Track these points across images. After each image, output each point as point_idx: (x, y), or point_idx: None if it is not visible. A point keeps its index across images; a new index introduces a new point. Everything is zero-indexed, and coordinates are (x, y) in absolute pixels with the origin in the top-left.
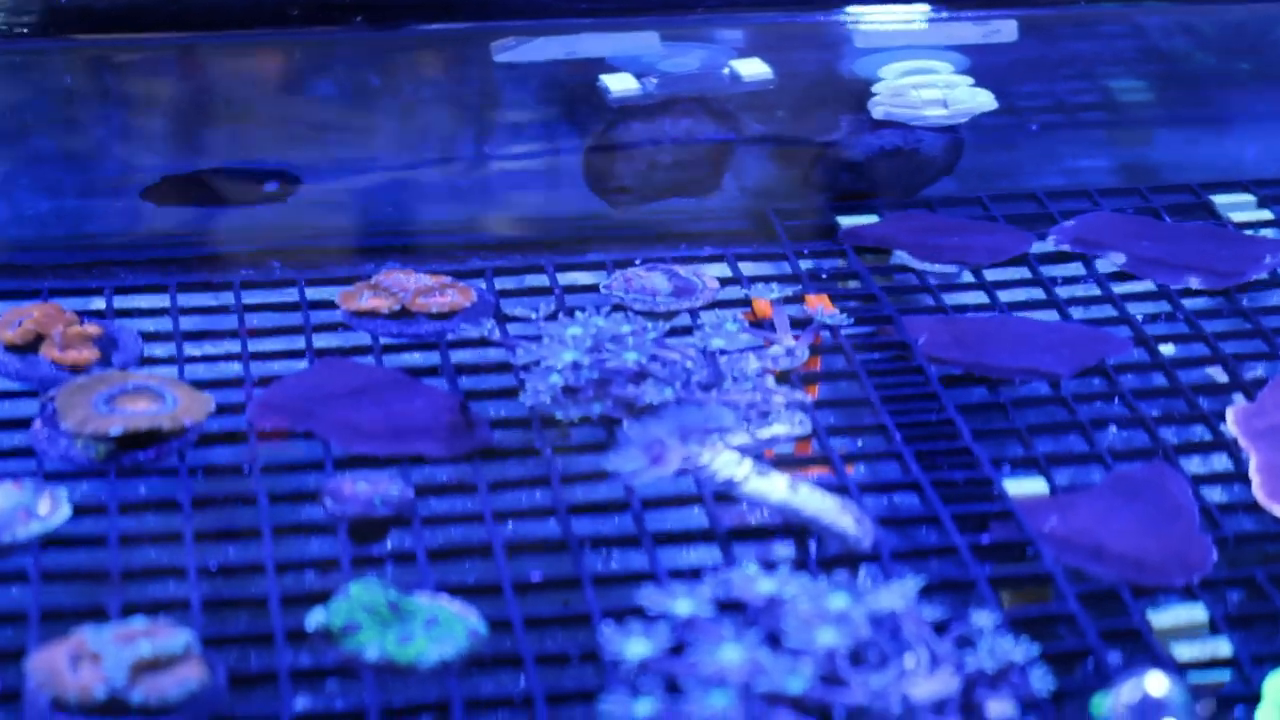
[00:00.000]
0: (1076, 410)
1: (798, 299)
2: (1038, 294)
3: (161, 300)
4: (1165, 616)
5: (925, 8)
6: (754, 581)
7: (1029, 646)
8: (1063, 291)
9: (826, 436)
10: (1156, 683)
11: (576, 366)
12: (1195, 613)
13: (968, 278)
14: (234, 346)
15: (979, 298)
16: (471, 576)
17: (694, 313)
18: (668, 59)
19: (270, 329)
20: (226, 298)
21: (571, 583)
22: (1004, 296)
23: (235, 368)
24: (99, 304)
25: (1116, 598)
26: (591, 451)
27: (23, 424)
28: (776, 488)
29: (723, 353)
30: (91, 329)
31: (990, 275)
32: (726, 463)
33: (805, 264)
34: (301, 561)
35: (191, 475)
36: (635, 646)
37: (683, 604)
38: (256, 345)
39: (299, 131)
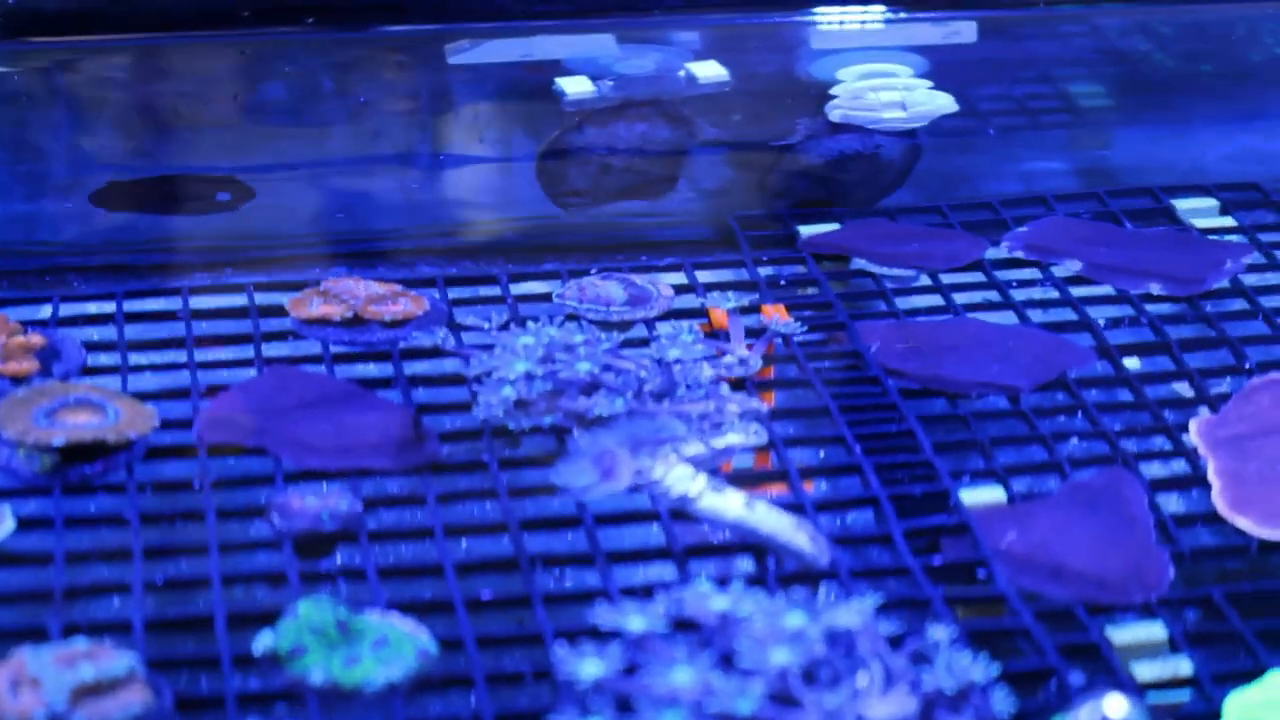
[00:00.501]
0: (1037, 424)
1: (754, 308)
2: (994, 297)
3: (108, 307)
4: (1124, 634)
5: (883, 9)
6: (707, 599)
7: (988, 665)
8: (1019, 295)
9: (783, 447)
10: (1115, 705)
11: (529, 377)
12: (1154, 630)
13: (925, 282)
14: (181, 355)
15: (935, 301)
16: (422, 594)
17: (649, 322)
18: (623, 61)
19: (219, 337)
20: (175, 303)
21: (523, 601)
22: (960, 300)
23: (183, 377)
24: (45, 311)
25: (1073, 614)
26: (544, 465)
27: None
28: (731, 505)
29: (677, 362)
30: (35, 339)
31: (947, 280)
32: (680, 478)
33: (764, 271)
34: (249, 577)
35: (140, 491)
36: (588, 667)
37: (635, 621)
38: (204, 354)
39: (250, 134)
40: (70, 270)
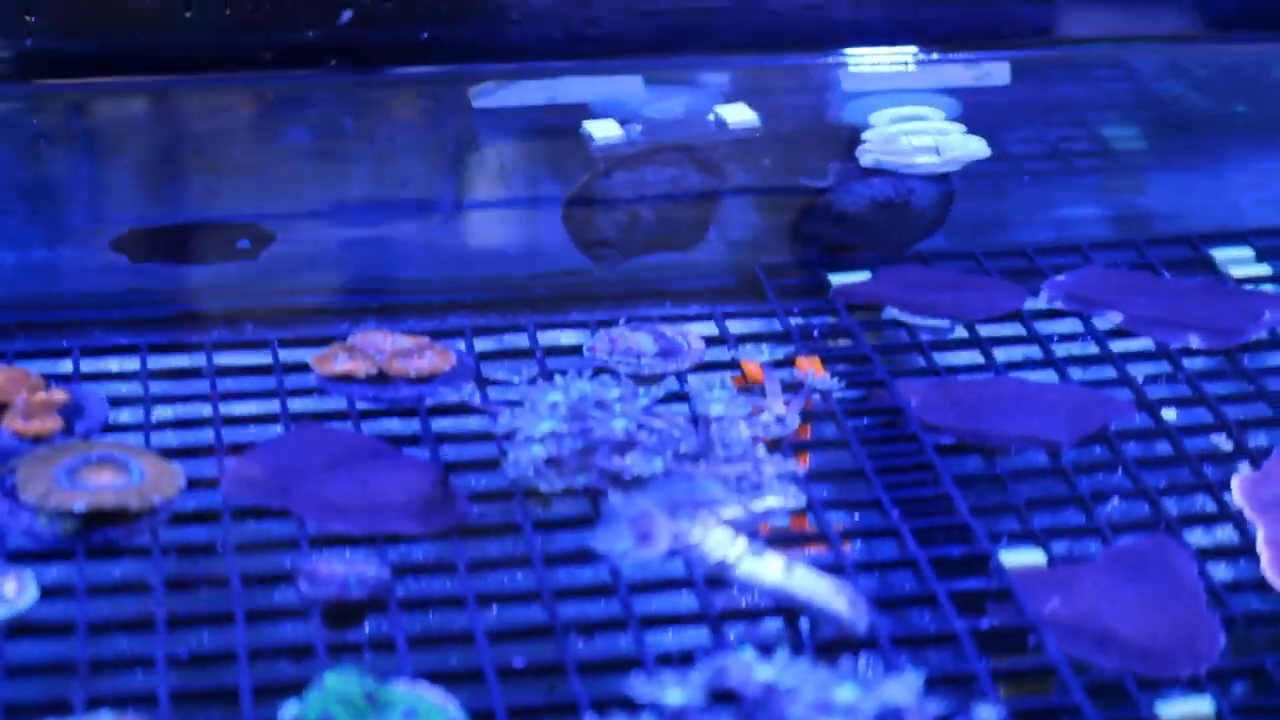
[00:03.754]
0: (1076, 481)
1: (788, 361)
2: (1033, 352)
3: (132, 362)
4: (1173, 708)
5: (915, 50)
6: (750, 668)
7: None
8: (1059, 349)
9: (821, 510)
10: None
11: (559, 435)
12: (1202, 705)
13: (961, 334)
14: (205, 411)
15: (973, 357)
16: (452, 662)
17: (681, 375)
18: (651, 104)
19: (243, 393)
20: (199, 359)
21: (556, 669)
22: (999, 355)
23: (207, 434)
24: (67, 365)
25: (1122, 689)
26: (578, 528)
27: None
28: (771, 570)
29: (712, 420)
30: (57, 395)
31: (984, 331)
32: (719, 542)
33: (795, 321)
34: (275, 648)
35: (165, 554)
36: None
37: (674, 694)
38: (229, 409)
39: (272, 180)
40: (91, 322)
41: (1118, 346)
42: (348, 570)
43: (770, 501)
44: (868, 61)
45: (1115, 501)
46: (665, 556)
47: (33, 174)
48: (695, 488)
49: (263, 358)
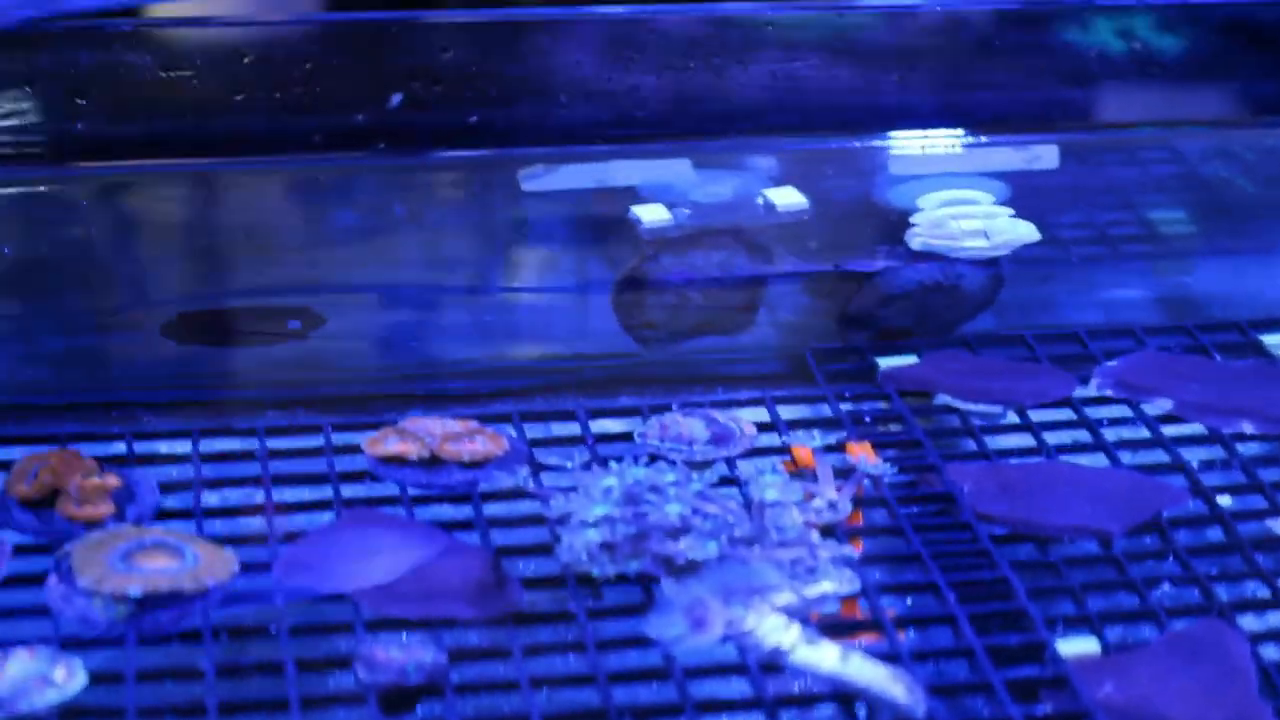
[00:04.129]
0: (1128, 569)
1: (839, 446)
2: (1084, 436)
3: (182, 446)
4: None
5: (962, 133)
6: None
7: None
8: (1110, 434)
9: (876, 596)
10: None
11: (612, 520)
12: None
13: (1012, 419)
14: (258, 496)
15: (1024, 440)
16: None
17: (731, 461)
18: (700, 188)
19: (294, 476)
20: (250, 443)
21: None
22: (1050, 438)
23: (259, 520)
24: (118, 448)
25: None
26: (631, 614)
27: (37, 580)
28: (826, 656)
29: (765, 505)
30: (110, 480)
31: (1035, 415)
32: (774, 628)
33: (845, 406)
34: None
35: (215, 638)
36: None
37: None
38: (280, 494)
39: (320, 262)
40: (141, 405)
41: (1170, 431)
42: (405, 656)
43: (825, 587)
44: (915, 144)
45: (1166, 587)
46: (719, 642)
47: (81, 259)
48: (749, 573)
49: (314, 441)
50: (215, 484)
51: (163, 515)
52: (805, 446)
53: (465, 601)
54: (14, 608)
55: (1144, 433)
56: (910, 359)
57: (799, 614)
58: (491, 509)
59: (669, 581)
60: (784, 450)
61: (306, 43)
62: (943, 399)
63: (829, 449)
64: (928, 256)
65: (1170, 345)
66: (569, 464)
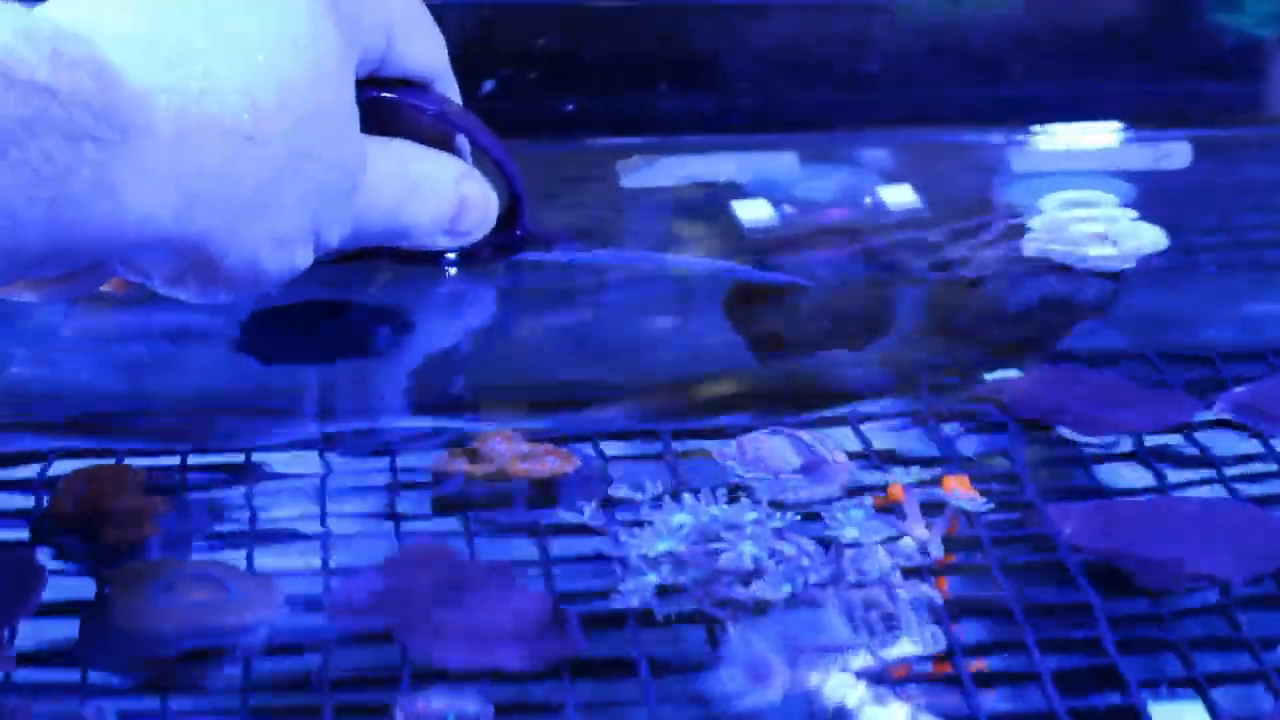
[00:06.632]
0: (1243, 623)
1: (934, 480)
2: (1205, 470)
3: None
4: None
5: (1089, 128)
6: None
7: None
8: (1232, 469)
9: (960, 655)
10: None
11: (680, 561)
12: None
13: (1126, 448)
14: (314, 526)
15: (1137, 473)
16: None
17: (819, 494)
18: (805, 183)
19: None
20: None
21: None
22: (1166, 470)
23: (314, 546)
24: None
25: None
26: (693, 666)
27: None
28: (895, 717)
29: (851, 545)
30: (158, 502)
31: (1151, 443)
32: (839, 686)
33: (945, 431)
34: None
35: (255, 689)
36: None
37: None
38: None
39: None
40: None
41: None
42: (448, 705)
43: (905, 647)
44: (1037, 139)
45: None
46: (782, 700)
47: None
48: (819, 625)
49: (379, 464)
50: (269, 509)
51: (213, 537)
52: (898, 481)
53: (519, 649)
54: (42, 650)
55: (1272, 466)
56: (1022, 376)
57: (871, 671)
58: (555, 545)
59: (734, 630)
60: (878, 485)
61: None
62: (1050, 425)
63: (923, 483)
64: (1047, 264)
65: None
66: (639, 496)
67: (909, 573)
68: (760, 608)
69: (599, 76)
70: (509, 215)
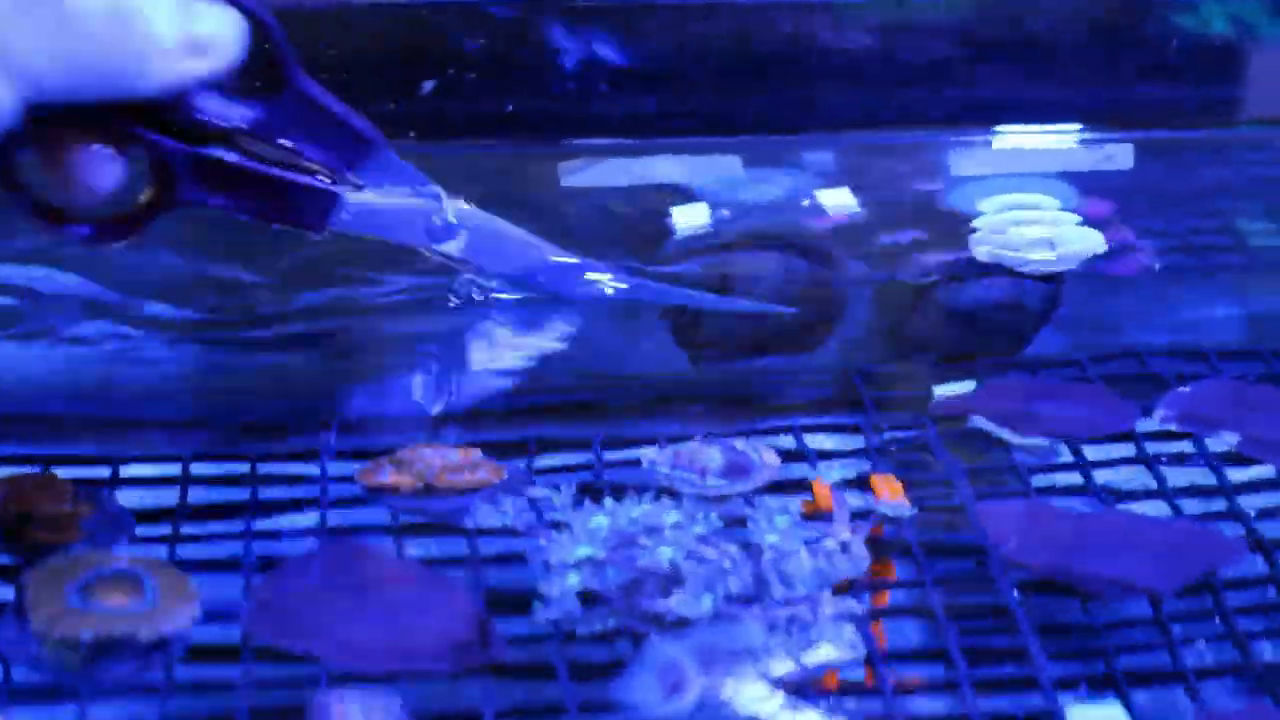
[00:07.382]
0: (1171, 630)
1: (862, 482)
2: (1142, 476)
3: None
4: None
5: (1031, 129)
6: None
7: None
8: (1170, 474)
9: (878, 660)
10: None
11: (599, 565)
12: None
13: (1065, 457)
14: (238, 526)
15: (1071, 479)
16: None
17: (747, 497)
18: (746, 187)
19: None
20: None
21: None
22: (1101, 478)
23: (236, 547)
24: (100, 472)
25: None
26: (612, 674)
27: None
28: None
29: (766, 549)
30: (83, 508)
31: (1089, 452)
32: (753, 697)
33: (883, 437)
34: None
35: (174, 692)
36: None
37: None
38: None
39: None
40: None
41: (1234, 474)
42: (362, 712)
43: (825, 652)
44: (979, 142)
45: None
46: (695, 710)
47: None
48: (738, 634)
49: (310, 469)
50: (198, 511)
51: (137, 540)
52: (824, 482)
53: (439, 655)
54: None
55: (1208, 477)
56: (966, 385)
57: (790, 679)
58: (482, 545)
59: (653, 640)
60: (805, 487)
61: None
62: (986, 428)
63: (850, 483)
64: (988, 269)
65: (1247, 373)
66: (556, 498)
67: (837, 587)
68: (681, 620)
69: (536, 76)
70: (271, 71)
